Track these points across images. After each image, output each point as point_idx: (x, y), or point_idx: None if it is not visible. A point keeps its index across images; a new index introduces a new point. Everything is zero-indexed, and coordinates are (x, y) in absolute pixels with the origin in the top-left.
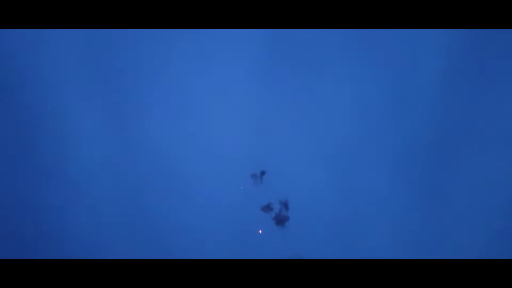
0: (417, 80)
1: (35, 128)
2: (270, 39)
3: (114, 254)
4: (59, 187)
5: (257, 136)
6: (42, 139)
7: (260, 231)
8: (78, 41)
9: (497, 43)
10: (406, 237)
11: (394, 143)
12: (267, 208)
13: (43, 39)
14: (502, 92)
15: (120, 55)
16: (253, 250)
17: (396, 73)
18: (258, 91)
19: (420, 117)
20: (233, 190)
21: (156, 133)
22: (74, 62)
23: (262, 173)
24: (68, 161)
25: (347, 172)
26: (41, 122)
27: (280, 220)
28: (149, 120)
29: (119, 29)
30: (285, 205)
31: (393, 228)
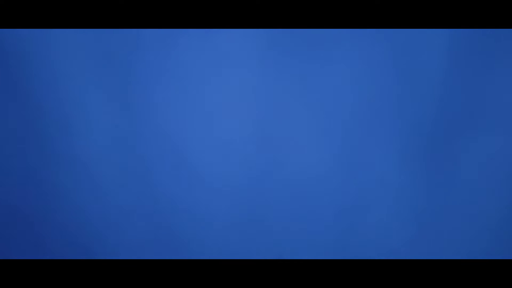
0: (422, 62)
1: (42, 112)
2: (272, 36)
3: (120, 239)
4: (67, 169)
5: (262, 120)
6: (49, 122)
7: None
8: (86, 39)
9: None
10: (412, 221)
11: (400, 127)
12: None
13: (51, 38)
14: (509, 73)
15: (126, 50)
16: (259, 235)
17: (401, 58)
18: (262, 76)
19: (426, 99)
20: (239, 173)
21: (164, 117)
22: (82, 55)
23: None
24: (76, 144)
25: (352, 155)
26: (48, 106)
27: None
28: (156, 104)
29: (124, 29)
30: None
31: (399, 211)
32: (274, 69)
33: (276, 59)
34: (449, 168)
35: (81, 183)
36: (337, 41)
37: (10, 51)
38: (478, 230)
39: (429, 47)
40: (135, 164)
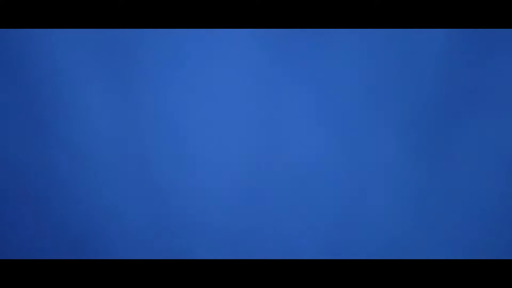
0: (422, 53)
1: (40, 97)
2: (272, 34)
3: (119, 228)
4: (64, 154)
5: (261, 105)
6: (48, 107)
7: None
8: (86, 37)
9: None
10: (410, 204)
11: (399, 115)
12: None
13: (53, 35)
14: (505, 62)
15: (128, 44)
16: (259, 220)
17: (400, 48)
18: (262, 60)
19: (425, 87)
20: (239, 160)
21: (163, 101)
22: (83, 49)
23: None
24: (74, 128)
25: (351, 138)
26: (47, 90)
27: None
28: (155, 90)
29: (126, 29)
30: None
31: (397, 194)
32: (274, 63)
33: (277, 53)
34: (447, 154)
35: (81, 172)
36: (336, 37)
37: (13, 47)
38: (478, 218)
39: (430, 41)
40: (135, 153)
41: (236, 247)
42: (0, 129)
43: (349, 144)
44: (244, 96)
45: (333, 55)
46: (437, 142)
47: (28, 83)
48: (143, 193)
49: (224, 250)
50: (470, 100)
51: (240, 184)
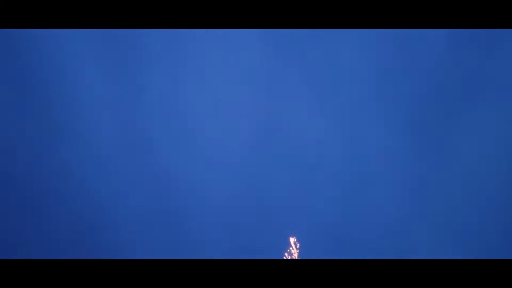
0: (424, 38)
1: (46, 89)
2: (274, 31)
3: (122, 215)
4: (70, 144)
5: (265, 94)
6: (54, 99)
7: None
8: (91, 34)
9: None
10: (411, 191)
11: (400, 107)
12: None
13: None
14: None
15: (131, 39)
16: (260, 210)
17: (402, 35)
18: (264, 59)
19: (425, 81)
20: (241, 148)
21: (166, 93)
22: (89, 45)
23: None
24: (79, 119)
25: (354, 127)
26: (52, 82)
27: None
28: (159, 81)
29: (132, 29)
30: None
31: (398, 181)
32: (276, 62)
33: (280, 52)
34: (447, 152)
35: (85, 160)
36: (338, 37)
37: (16, 47)
38: (478, 217)
39: (430, 40)
40: (138, 141)
41: (236, 246)
42: (4, 126)
43: (350, 140)
44: (246, 94)
45: (335, 54)
46: (437, 140)
47: (34, 82)
48: (146, 192)
49: (224, 249)
50: (469, 98)
51: (240, 184)
